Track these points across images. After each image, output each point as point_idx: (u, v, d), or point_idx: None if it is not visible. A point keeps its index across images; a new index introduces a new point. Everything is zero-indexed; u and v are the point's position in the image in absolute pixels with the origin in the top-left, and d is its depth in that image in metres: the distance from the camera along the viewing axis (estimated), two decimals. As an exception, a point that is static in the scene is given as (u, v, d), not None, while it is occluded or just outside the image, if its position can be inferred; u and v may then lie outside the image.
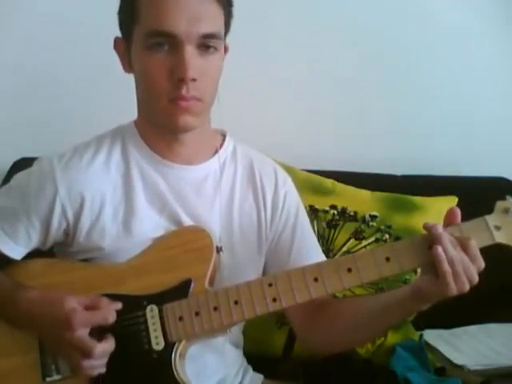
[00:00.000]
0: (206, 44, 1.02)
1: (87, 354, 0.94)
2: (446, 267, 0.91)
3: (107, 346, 0.97)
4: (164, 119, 1.05)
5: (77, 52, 1.74)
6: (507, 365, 1.28)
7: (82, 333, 0.94)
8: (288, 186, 1.21)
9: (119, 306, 0.99)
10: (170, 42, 1.00)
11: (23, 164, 1.50)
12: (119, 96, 1.64)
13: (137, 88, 1.09)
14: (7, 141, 1.76)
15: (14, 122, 1.77)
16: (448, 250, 0.92)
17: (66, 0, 1.73)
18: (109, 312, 0.97)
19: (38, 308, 0.99)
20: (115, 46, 1.10)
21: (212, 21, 1.02)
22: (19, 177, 1.13)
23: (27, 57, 1.76)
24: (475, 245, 0.94)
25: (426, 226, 0.95)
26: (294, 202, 1.20)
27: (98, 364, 0.96)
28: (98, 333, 0.97)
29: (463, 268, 0.92)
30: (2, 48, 1.74)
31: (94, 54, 1.71)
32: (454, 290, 0.92)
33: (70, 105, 1.78)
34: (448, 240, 0.93)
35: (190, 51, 1.00)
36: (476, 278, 0.93)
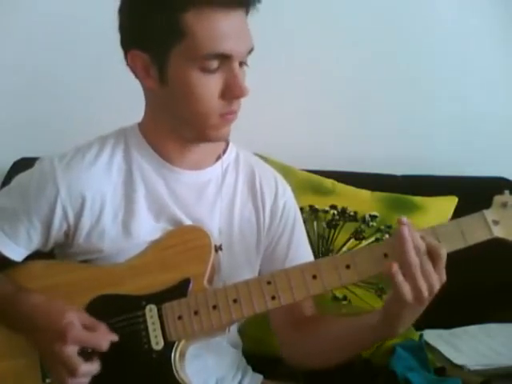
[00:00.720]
0: (245, 60, 1.04)
1: (72, 372, 0.94)
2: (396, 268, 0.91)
3: (92, 366, 0.96)
4: (209, 133, 1.05)
5: (77, 52, 1.74)
6: (507, 365, 1.28)
7: (72, 349, 0.94)
8: (287, 196, 1.21)
9: (115, 338, 0.99)
10: (222, 61, 0.99)
11: (23, 164, 1.51)
12: (119, 96, 1.65)
13: (165, 102, 1.05)
14: (7, 141, 1.76)
15: (14, 122, 1.77)
16: (408, 253, 0.91)
17: (66, 0, 1.73)
18: (104, 339, 0.97)
19: (40, 314, 0.99)
20: (131, 58, 1.04)
21: (251, 36, 1.03)
22: (20, 177, 1.13)
23: (27, 57, 1.76)
24: (444, 254, 0.92)
25: (398, 221, 0.95)
26: (292, 212, 1.21)
27: (79, 382, 0.96)
28: (86, 353, 0.97)
29: (423, 274, 0.91)
30: (2, 48, 1.75)
31: (94, 54, 1.72)
32: (408, 294, 0.91)
33: (70, 105, 1.78)
34: (410, 241, 0.92)
35: (238, 68, 1.01)
36: (435, 287, 0.92)
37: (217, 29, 0.97)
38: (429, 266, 0.91)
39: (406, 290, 0.91)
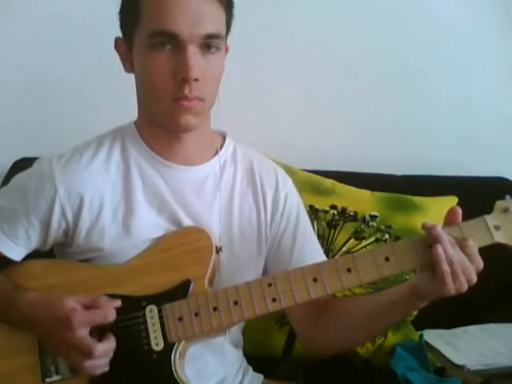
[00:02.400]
0: (208, 44, 1.02)
1: (88, 353, 0.94)
2: (445, 267, 0.92)
3: (108, 344, 0.97)
4: (166, 119, 1.05)
5: (77, 52, 1.74)
6: (507, 365, 1.28)
7: (83, 332, 0.94)
8: (289, 188, 1.21)
9: (118, 303, 0.99)
10: (172, 42, 1.00)
11: (23, 164, 1.50)
12: (119, 96, 1.64)
13: (138, 88, 1.09)
14: (7, 141, 1.76)
15: (14, 122, 1.77)
16: (447, 249, 0.92)
17: (66, 0, 1.73)
18: (108, 310, 0.97)
19: (38, 309, 0.99)
20: (116, 46, 1.10)
21: (214, 21, 1.02)
22: (19, 177, 1.13)
23: (27, 57, 1.76)
24: (474, 245, 0.94)
25: (425, 226, 0.95)
26: (295, 204, 1.20)
27: (100, 363, 0.96)
28: (98, 332, 0.97)
29: (462, 268, 0.92)
30: (2, 48, 1.75)
31: (95, 54, 1.71)
32: (452, 289, 0.93)
33: (70, 105, 1.78)
34: (447, 240, 0.93)
35: (193, 51, 1.00)
36: (474, 278, 0.94)
37: (163, 7, 0.99)
38: (465, 258, 0.93)
39: (450, 285, 0.92)
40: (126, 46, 1.07)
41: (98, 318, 0.96)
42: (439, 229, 0.94)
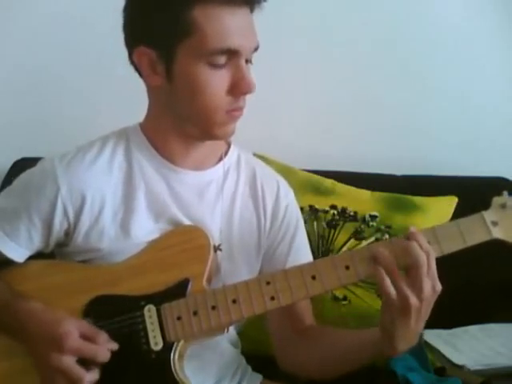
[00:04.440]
0: (251, 57, 1.05)
1: (76, 382, 0.92)
2: (381, 271, 0.92)
3: (94, 376, 0.95)
4: (214, 129, 1.05)
5: (77, 52, 1.75)
6: (507, 365, 1.27)
7: (70, 359, 0.93)
8: (290, 199, 1.21)
9: (115, 346, 0.97)
10: (229, 58, 1.00)
11: (23, 164, 1.51)
12: (119, 96, 1.65)
13: (168, 99, 1.06)
14: (7, 141, 1.76)
15: (14, 122, 1.77)
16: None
17: (66, 0, 1.73)
18: (102, 350, 0.95)
19: (35, 321, 0.98)
20: (139, 55, 1.03)
21: (256, 33, 1.04)
22: (21, 177, 1.13)
23: (27, 57, 1.76)
24: (420, 261, 0.92)
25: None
26: (294, 215, 1.21)
27: None
28: (83, 360, 0.95)
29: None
30: (2, 48, 1.75)
31: (95, 54, 1.72)
32: (394, 299, 0.91)
33: (70, 105, 1.78)
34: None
35: (245, 64, 1.02)
36: (425, 294, 0.91)
37: (224, 25, 0.98)
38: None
39: (393, 296, 0.91)
40: (157, 58, 1.02)
41: (89, 353, 0.94)
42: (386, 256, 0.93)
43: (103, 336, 0.97)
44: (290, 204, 1.20)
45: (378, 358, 1.05)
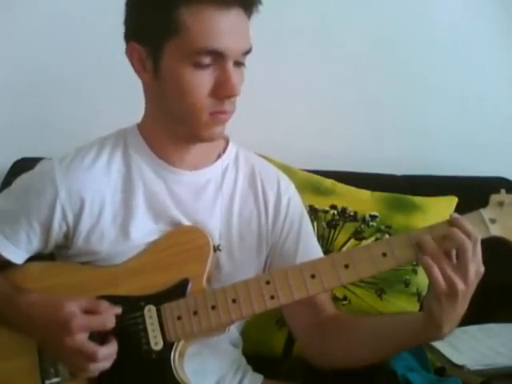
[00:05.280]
0: (242, 60, 1.03)
1: (92, 357, 0.94)
2: (428, 260, 0.92)
3: (111, 348, 0.97)
4: (199, 131, 1.05)
5: (77, 52, 1.75)
6: (507, 365, 1.27)
7: (82, 337, 0.94)
8: (291, 193, 1.21)
9: (119, 310, 0.99)
10: (214, 59, 0.99)
11: (23, 164, 1.51)
12: (119, 96, 1.65)
13: (157, 97, 1.07)
14: (7, 141, 1.76)
15: (14, 122, 1.77)
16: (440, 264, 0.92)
17: (66, 0, 1.73)
18: (108, 317, 0.97)
19: (38, 312, 0.99)
20: (130, 51, 1.05)
21: (248, 36, 1.03)
22: (20, 179, 1.13)
23: (27, 57, 1.76)
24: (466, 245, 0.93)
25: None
26: (297, 209, 1.20)
27: (103, 366, 0.96)
28: (99, 335, 0.97)
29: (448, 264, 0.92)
30: (2, 48, 1.75)
31: (95, 54, 1.72)
32: (442, 286, 0.92)
33: (70, 105, 1.78)
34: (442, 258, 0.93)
35: (232, 68, 1.01)
36: (478, 272, 0.93)
37: (210, 25, 0.97)
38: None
39: (442, 283, 0.91)
40: (147, 54, 1.03)
41: (97, 324, 0.96)
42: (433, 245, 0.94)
43: (104, 304, 0.98)
44: (291, 198, 1.20)
45: (419, 343, 1.06)
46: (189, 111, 1.03)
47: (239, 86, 1.02)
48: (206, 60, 0.99)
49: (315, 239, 1.23)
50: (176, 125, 1.07)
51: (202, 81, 1.00)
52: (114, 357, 0.97)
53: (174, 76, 1.01)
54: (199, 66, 0.99)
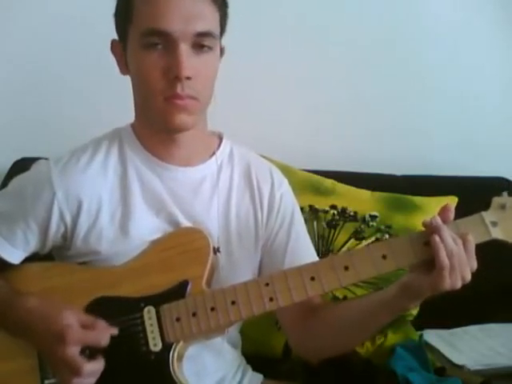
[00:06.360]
0: (200, 43, 1.02)
1: (77, 372, 0.94)
2: (444, 258, 0.91)
3: (96, 365, 0.96)
4: (160, 118, 1.04)
5: (77, 52, 1.74)
6: (507, 365, 1.28)
7: (74, 350, 0.94)
8: (284, 188, 1.20)
9: (115, 331, 0.99)
10: (164, 41, 1.00)
11: (23, 164, 1.51)
12: (119, 96, 1.64)
13: (133, 90, 1.09)
14: (7, 141, 1.76)
15: (14, 122, 1.77)
16: (447, 241, 0.92)
17: (66, 0, 1.73)
18: (104, 335, 0.97)
19: (36, 318, 0.98)
20: (112, 48, 1.10)
21: (206, 20, 1.02)
22: (16, 180, 1.13)
23: (28, 57, 1.76)
24: (473, 241, 0.94)
25: (424, 222, 0.96)
26: (289, 204, 1.20)
27: (87, 382, 0.96)
28: (90, 351, 0.97)
29: (459, 262, 0.92)
30: (2, 48, 1.75)
31: (95, 54, 1.70)
32: (447, 284, 0.92)
33: (70, 105, 1.78)
34: (447, 232, 0.93)
35: (185, 50, 1.00)
36: (469, 276, 0.93)
37: (155, 6, 0.99)
38: (463, 252, 0.92)
39: (447, 280, 0.91)
40: (121, 48, 1.07)
41: (92, 340, 0.96)
42: (439, 221, 0.94)
43: (101, 323, 0.98)
44: (284, 193, 1.20)
45: (388, 320, 1.06)
46: (146, 96, 1.04)
47: (192, 68, 1.00)
48: (153, 40, 1.00)
49: (307, 237, 1.22)
50: (150, 117, 1.08)
51: (152, 62, 1.01)
52: (98, 375, 0.97)
53: (133, 63, 1.04)
54: (148, 47, 1.00)
